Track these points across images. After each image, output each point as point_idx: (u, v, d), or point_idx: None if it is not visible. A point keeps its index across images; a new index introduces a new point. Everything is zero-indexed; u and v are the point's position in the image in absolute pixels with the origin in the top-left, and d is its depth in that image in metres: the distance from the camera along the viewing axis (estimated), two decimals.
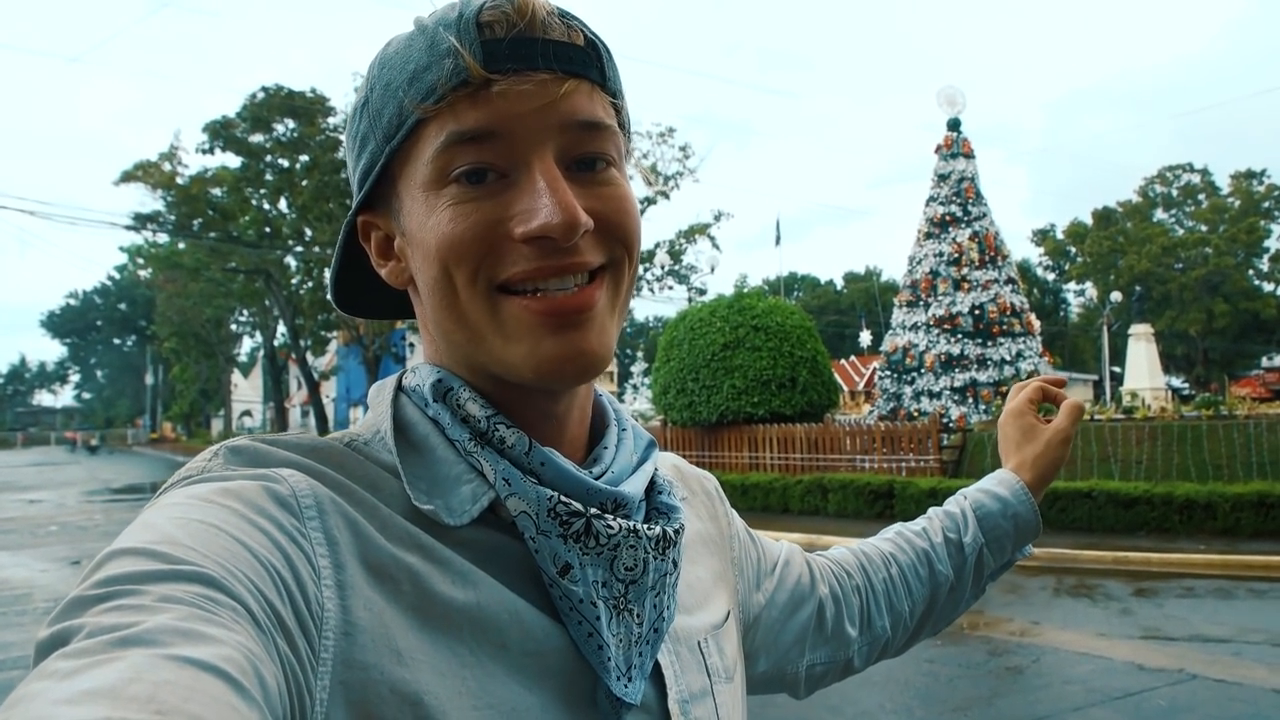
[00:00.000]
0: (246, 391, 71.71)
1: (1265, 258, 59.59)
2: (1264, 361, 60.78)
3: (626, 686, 0.74)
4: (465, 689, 0.66)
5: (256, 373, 70.87)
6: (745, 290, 26.21)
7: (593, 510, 0.74)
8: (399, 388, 0.82)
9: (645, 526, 0.76)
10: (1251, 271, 58.91)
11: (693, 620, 0.87)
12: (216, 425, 73.41)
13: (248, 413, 74.39)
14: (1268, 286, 59.70)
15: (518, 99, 0.70)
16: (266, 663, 0.52)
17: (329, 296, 0.93)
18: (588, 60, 0.74)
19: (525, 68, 0.70)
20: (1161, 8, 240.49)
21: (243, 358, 69.80)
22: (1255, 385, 34.68)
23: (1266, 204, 59.38)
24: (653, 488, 0.85)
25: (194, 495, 0.62)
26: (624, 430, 0.86)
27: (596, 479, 0.77)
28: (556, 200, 0.70)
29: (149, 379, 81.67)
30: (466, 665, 0.67)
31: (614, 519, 0.74)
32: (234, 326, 58.28)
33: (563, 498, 0.73)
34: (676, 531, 0.80)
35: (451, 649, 0.66)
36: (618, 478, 0.79)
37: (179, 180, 38.12)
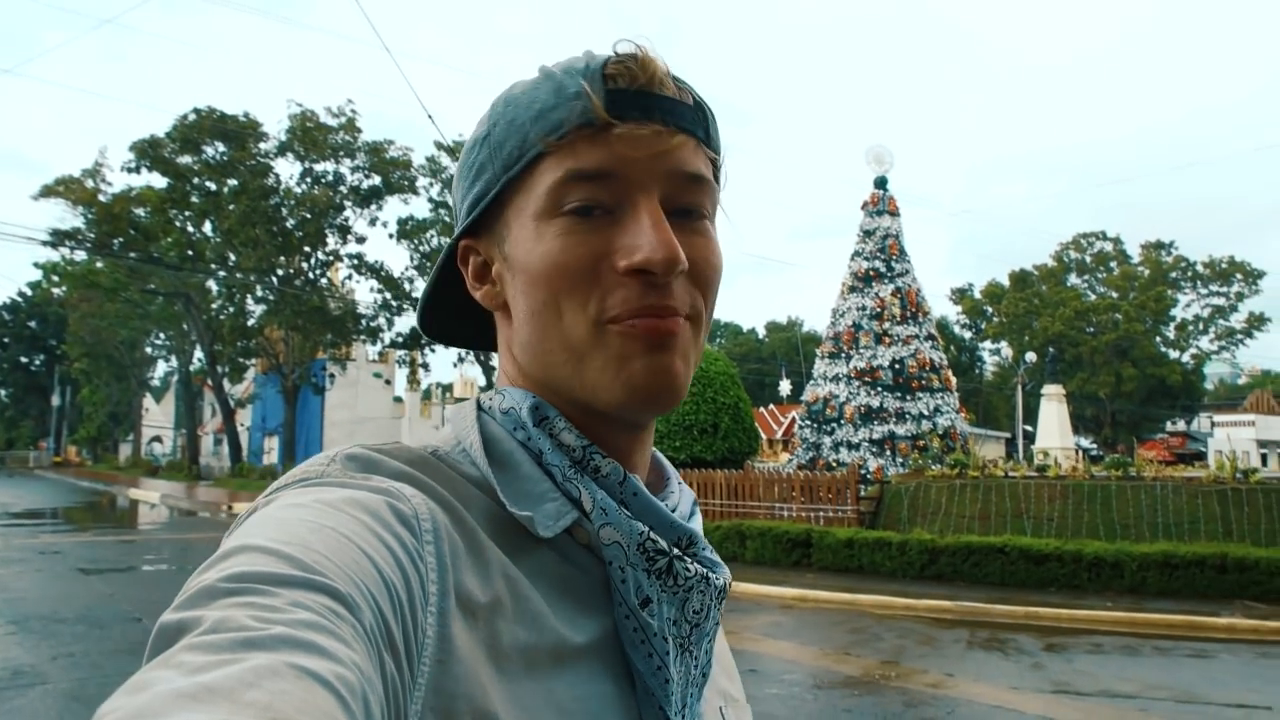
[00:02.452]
0: (158, 416, 69.96)
1: (1172, 326, 61.52)
2: (1168, 426, 62.62)
3: None
4: (535, 715, 0.67)
5: (169, 398, 69.19)
6: None
7: (675, 551, 0.77)
8: (480, 408, 0.85)
9: (713, 575, 0.80)
10: (1159, 339, 60.70)
11: (716, 683, 0.89)
12: (125, 450, 71.51)
13: (158, 438, 72.54)
14: (1173, 354, 61.58)
15: (634, 144, 0.76)
16: (374, 684, 0.53)
17: (415, 319, 0.97)
18: (696, 119, 0.80)
19: (643, 118, 0.76)
20: (1081, 88, 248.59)
21: (156, 382, 68.19)
22: (1160, 448, 35.69)
23: (1174, 274, 61.38)
24: (696, 542, 0.87)
25: (321, 500, 0.64)
26: (680, 484, 0.91)
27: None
28: (659, 237, 0.74)
29: (55, 400, 79.19)
30: (543, 701, 0.68)
31: (691, 562, 0.78)
32: (149, 349, 57.04)
33: (651, 534, 0.76)
34: (728, 584, 0.83)
35: (529, 686, 0.68)
36: (684, 517, 0.84)
37: (101, 198, 37.33)
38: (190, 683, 0.45)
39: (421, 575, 0.64)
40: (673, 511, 0.82)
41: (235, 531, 0.61)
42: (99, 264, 42.48)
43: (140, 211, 37.24)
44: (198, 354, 44.03)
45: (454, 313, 0.94)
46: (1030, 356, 46.00)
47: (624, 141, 0.75)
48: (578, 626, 0.74)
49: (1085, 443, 52.00)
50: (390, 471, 0.72)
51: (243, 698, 0.44)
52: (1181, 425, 62.98)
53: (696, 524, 0.85)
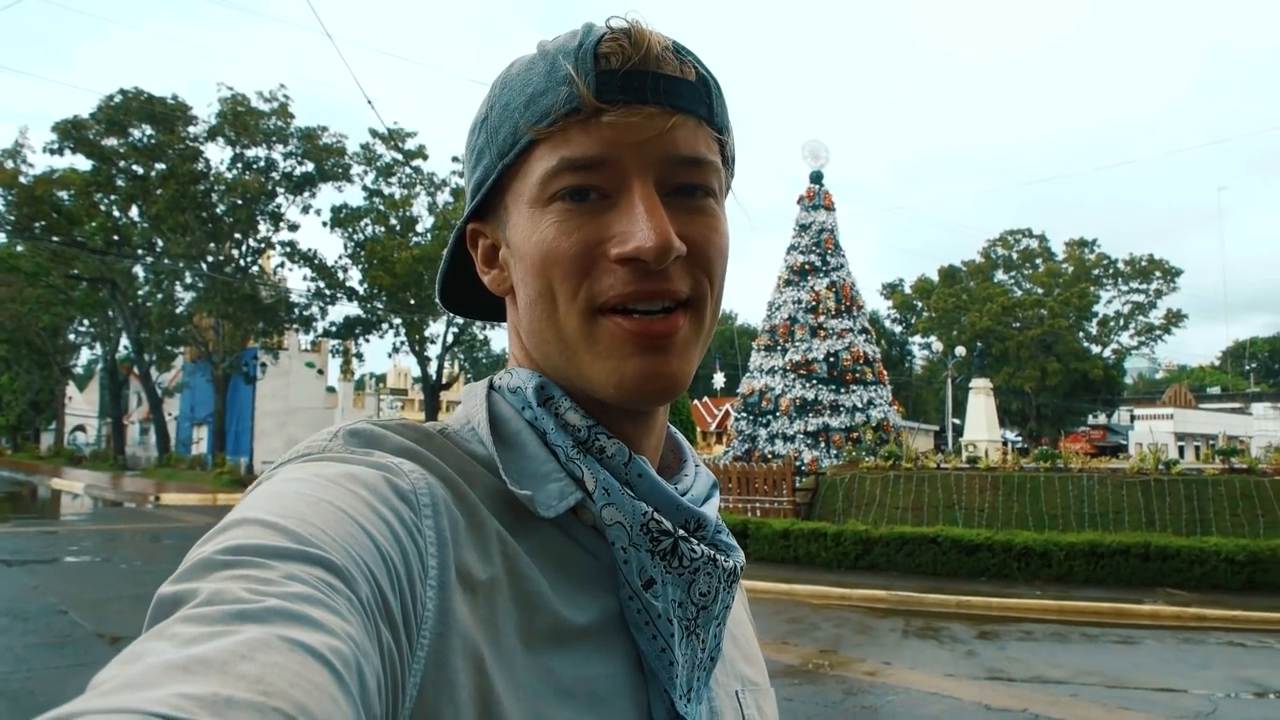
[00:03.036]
0: (81, 405, 68.39)
1: (1094, 322, 62.87)
2: (1090, 419, 64.09)
3: (688, 706, 0.76)
4: (538, 702, 0.67)
5: (93, 386, 67.70)
6: None
7: (680, 532, 0.76)
8: (491, 386, 0.85)
9: (721, 556, 0.79)
10: (1082, 334, 61.97)
11: (734, 667, 0.88)
12: (46, 439, 69.72)
13: (81, 427, 70.91)
14: (1096, 349, 62.95)
15: (625, 130, 0.73)
16: (370, 657, 0.53)
17: (435, 295, 0.96)
18: (697, 96, 0.76)
19: (635, 100, 0.73)
20: (1005, 89, 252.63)
21: (79, 370, 66.53)
22: (1083, 441, 36.50)
23: (1096, 271, 62.73)
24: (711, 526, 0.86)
25: (320, 474, 0.64)
26: (697, 466, 0.89)
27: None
28: (652, 224, 0.72)
29: None
30: (541, 680, 0.68)
31: (697, 544, 0.77)
32: (72, 336, 55.65)
33: (655, 515, 0.75)
34: (740, 568, 0.82)
35: (527, 663, 0.68)
36: (696, 500, 0.82)
37: (22, 179, 36.34)
38: (183, 654, 0.44)
39: (420, 549, 0.63)
40: (683, 494, 0.81)
41: (238, 505, 0.61)
42: (19, 247, 41.37)
43: (63, 194, 36.36)
44: (124, 341, 43.12)
45: (472, 288, 0.92)
46: (959, 351, 46.63)
47: (614, 128, 0.73)
48: (580, 606, 0.74)
49: (1011, 435, 52.94)
50: (392, 447, 0.71)
51: (234, 670, 0.44)
52: (1103, 419, 64.64)
53: (711, 507, 0.84)
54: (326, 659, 0.47)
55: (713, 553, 0.78)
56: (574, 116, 0.73)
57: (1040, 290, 62.07)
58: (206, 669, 0.43)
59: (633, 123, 0.73)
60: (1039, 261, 64.67)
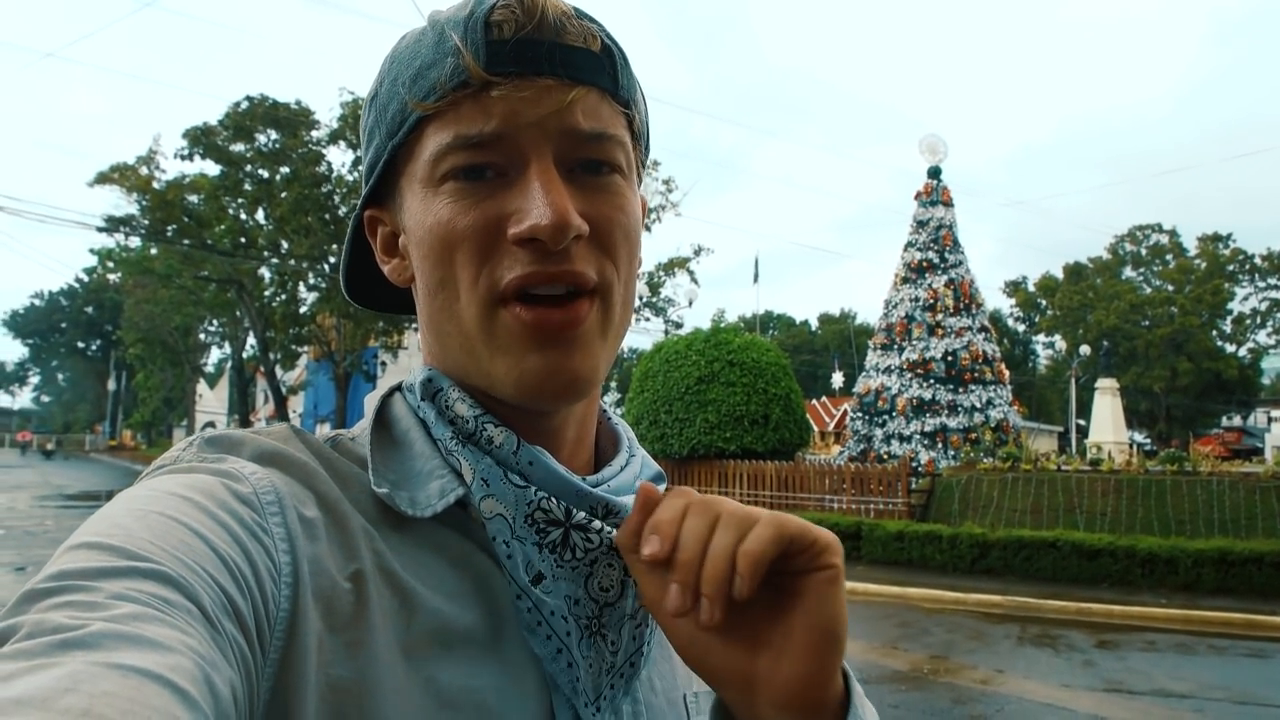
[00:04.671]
0: (211, 402, 70.89)
1: (1229, 320, 60.55)
2: (1224, 421, 61.62)
3: (596, 715, 0.71)
4: (413, 711, 0.63)
5: (223, 384, 70.09)
6: (722, 326, 26.33)
7: (578, 518, 0.71)
8: (397, 387, 0.82)
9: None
10: (1215, 332, 59.75)
11: (683, 669, 0.82)
12: (178, 435, 72.49)
13: (211, 424, 73.49)
14: (1230, 348, 60.58)
15: (519, 104, 0.69)
16: (221, 666, 0.50)
17: (342, 287, 0.91)
18: (598, 66, 0.72)
19: (529, 71, 0.69)
20: (1126, 66, 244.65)
21: (210, 368, 69.03)
22: (1216, 444, 35.04)
23: (1231, 267, 60.37)
24: None
25: (155, 488, 0.61)
26: (633, 456, 0.85)
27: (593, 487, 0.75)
28: (548, 200, 0.68)
29: (111, 385, 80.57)
30: (420, 688, 0.64)
31: (595, 534, 0.72)
32: (202, 336, 57.74)
33: (543, 504, 0.71)
34: None
35: (400, 668, 0.64)
36: (615, 492, 0.77)
37: (155, 185, 37.77)
38: None
39: (268, 548, 0.61)
40: (601, 482, 0.76)
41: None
42: (153, 250, 43.03)
43: (193, 198, 37.63)
44: (250, 341, 44.46)
45: (379, 279, 0.87)
46: (1084, 350, 45.28)
47: (508, 102, 0.69)
48: (466, 606, 0.69)
49: (1139, 437, 51.33)
50: (250, 453, 0.68)
51: (57, 705, 0.41)
52: (1238, 420, 62.02)
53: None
54: (165, 678, 0.45)
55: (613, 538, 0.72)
56: (463, 90, 0.69)
57: (1171, 287, 60.05)
58: (23, 708, 0.40)
59: (526, 96, 0.69)
60: (1169, 257, 62.53)
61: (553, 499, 0.71)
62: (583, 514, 0.72)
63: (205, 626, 0.51)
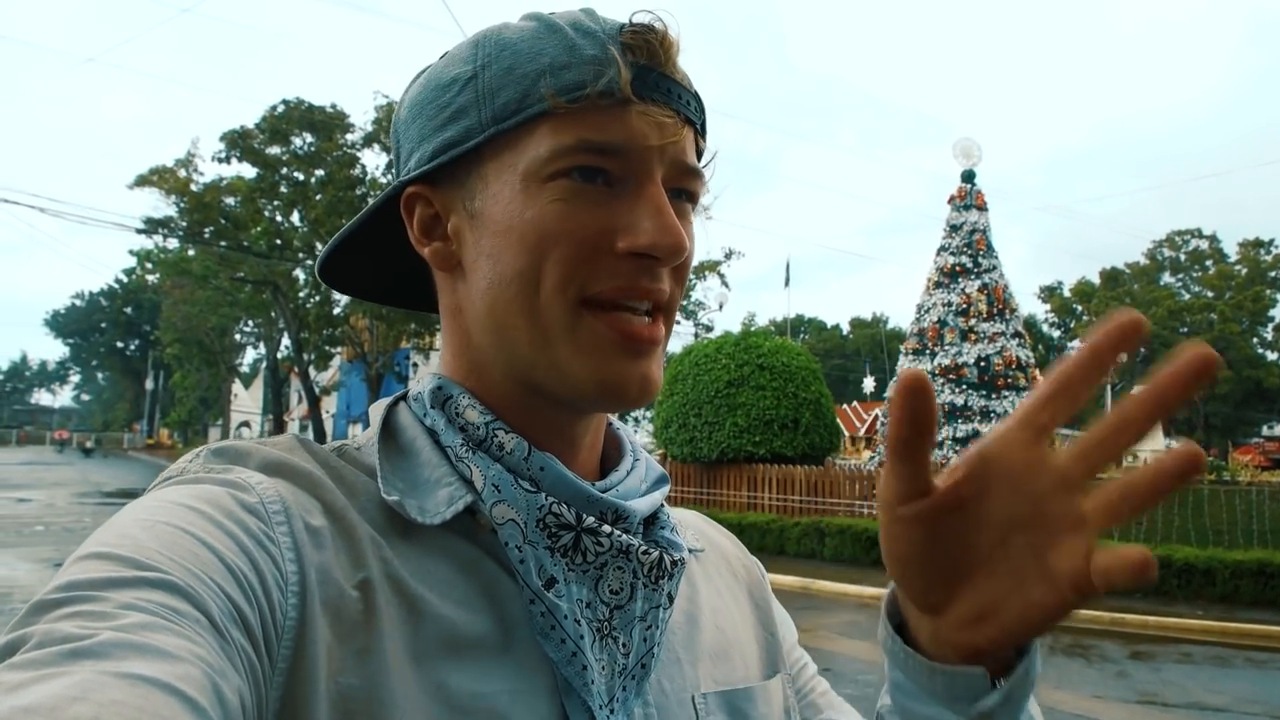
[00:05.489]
0: (246, 402, 71.56)
1: (1270, 326, 59.84)
2: (1264, 430, 60.76)
3: (610, 716, 0.71)
4: (418, 707, 0.63)
5: (258, 384, 70.75)
6: (752, 329, 26.24)
7: (588, 522, 0.72)
8: (402, 396, 0.83)
9: (641, 549, 0.74)
10: (1256, 340, 59.03)
11: (691, 670, 0.82)
12: (214, 434, 73.16)
13: (246, 423, 74.26)
14: (1271, 355, 59.85)
15: (649, 127, 0.72)
16: (229, 675, 0.51)
17: (317, 261, 0.89)
18: (700, 109, 0.78)
19: (663, 100, 0.73)
20: (1162, 70, 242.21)
21: (245, 368, 69.58)
22: (1256, 453, 34.53)
23: (1273, 273, 59.64)
24: (655, 522, 0.83)
25: (163, 498, 0.62)
26: (637, 460, 0.86)
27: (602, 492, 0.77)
28: (666, 222, 0.71)
29: (149, 384, 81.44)
30: (430, 695, 0.64)
31: (605, 537, 0.73)
32: (238, 336, 58.26)
33: (554, 508, 0.71)
34: (674, 563, 0.77)
35: (410, 674, 0.64)
36: (628, 494, 0.79)
37: (193, 187, 38.20)
38: (6, 705, 0.42)
39: (275, 557, 0.61)
40: (610, 487, 0.78)
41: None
42: (191, 252, 43.49)
43: (230, 201, 38.02)
44: (285, 342, 44.83)
45: (372, 260, 0.89)
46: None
47: (643, 121, 0.72)
48: (476, 612, 0.70)
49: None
50: (256, 463, 0.69)
51: (66, 713, 0.41)
52: (1279, 429, 61.11)
53: (648, 501, 0.81)
54: (173, 687, 0.46)
55: (628, 544, 0.73)
56: (603, 99, 0.71)
57: (1210, 293, 59.43)
58: (33, 717, 0.41)
59: (663, 123, 0.72)
60: (1209, 263, 61.93)
61: (563, 504, 0.72)
62: (592, 518, 0.73)
63: (213, 636, 0.52)
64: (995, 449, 0.64)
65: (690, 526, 0.97)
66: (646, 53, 0.72)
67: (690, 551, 0.88)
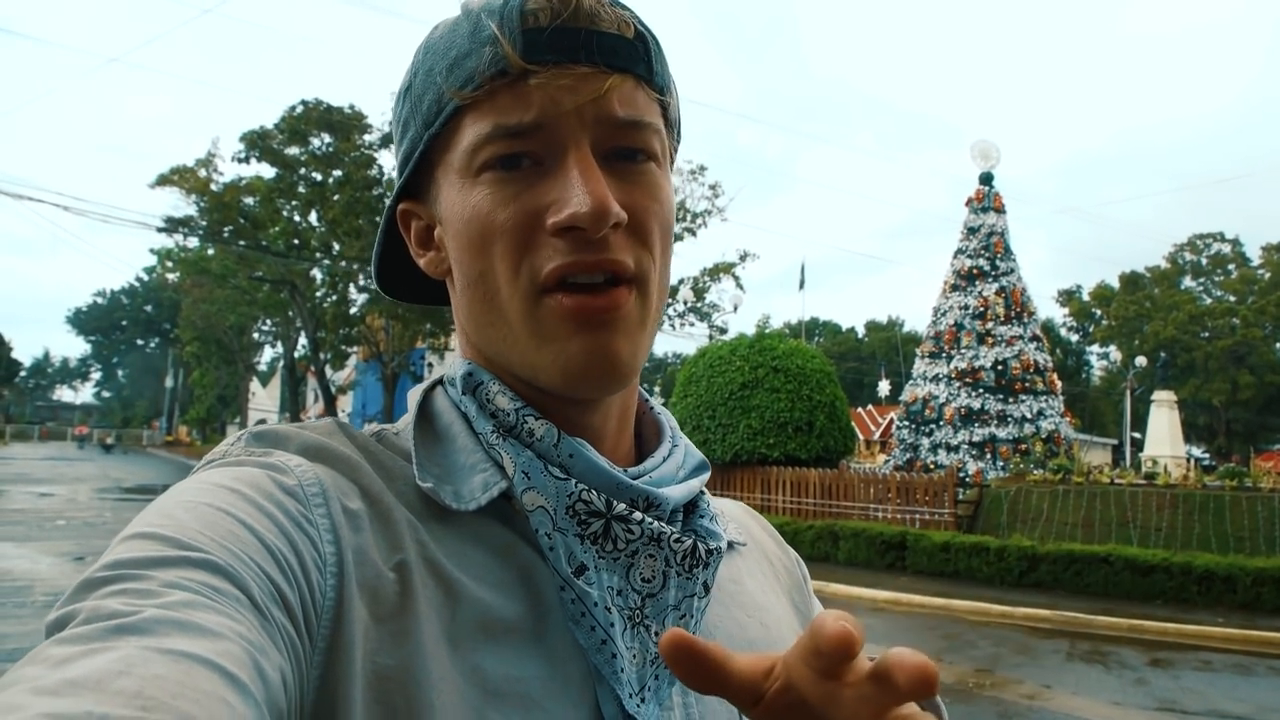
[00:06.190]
0: (264, 400, 71.87)
1: None
2: None
3: (640, 706, 0.69)
4: (458, 700, 0.63)
5: (275, 383, 71.10)
6: (766, 331, 26.13)
7: (618, 509, 0.71)
8: (438, 381, 0.82)
9: (673, 537, 0.72)
10: (1279, 345, 58.52)
11: None
12: (232, 431, 73.02)
13: (263, 421, 73.93)
14: None
15: (557, 92, 0.69)
16: (270, 653, 0.52)
17: (373, 279, 0.91)
18: (634, 54, 0.72)
19: (566, 60, 0.69)
20: (1186, 78, 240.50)
21: (262, 367, 69.87)
22: (1278, 460, 34.17)
23: None
24: (694, 510, 0.80)
25: (205, 480, 0.63)
26: (675, 446, 0.84)
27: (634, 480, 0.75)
28: (587, 189, 0.68)
29: (169, 382, 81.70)
30: (465, 677, 0.64)
31: (636, 525, 0.71)
32: (256, 335, 58.44)
33: (583, 495, 0.70)
34: (709, 552, 0.75)
35: (443, 656, 0.64)
36: (656, 484, 0.77)
37: (213, 187, 38.36)
38: (54, 677, 0.43)
39: (314, 539, 0.62)
40: (643, 474, 0.77)
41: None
42: (210, 251, 43.65)
43: (249, 200, 38.17)
44: (302, 341, 44.95)
45: (413, 270, 0.87)
46: (1140, 361, 44.54)
47: (544, 90, 0.69)
48: (511, 598, 0.69)
49: (1197, 452, 50.39)
50: (296, 446, 0.70)
51: (110, 687, 0.43)
52: None
53: (685, 488, 0.78)
54: (214, 663, 0.47)
55: (659, 531, 0.72)
56: (500, 79, 0.70)
57: (1233, 298, 58.96)
58: (78, 689, 0.42)
59: (565, 84, 0.69)
60: (1232, 267, 61.46)
61: (593, 491, 0.71)
62: (623, 505, 0.72)
63: (254, 614, 0.54)
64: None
65: (733, 518, 0.95)
66: (548, 13, 0.69)
67: (730, 545, 0.86)
